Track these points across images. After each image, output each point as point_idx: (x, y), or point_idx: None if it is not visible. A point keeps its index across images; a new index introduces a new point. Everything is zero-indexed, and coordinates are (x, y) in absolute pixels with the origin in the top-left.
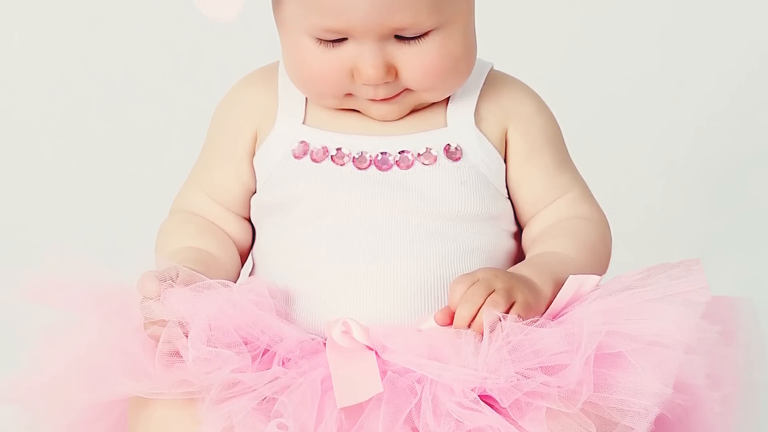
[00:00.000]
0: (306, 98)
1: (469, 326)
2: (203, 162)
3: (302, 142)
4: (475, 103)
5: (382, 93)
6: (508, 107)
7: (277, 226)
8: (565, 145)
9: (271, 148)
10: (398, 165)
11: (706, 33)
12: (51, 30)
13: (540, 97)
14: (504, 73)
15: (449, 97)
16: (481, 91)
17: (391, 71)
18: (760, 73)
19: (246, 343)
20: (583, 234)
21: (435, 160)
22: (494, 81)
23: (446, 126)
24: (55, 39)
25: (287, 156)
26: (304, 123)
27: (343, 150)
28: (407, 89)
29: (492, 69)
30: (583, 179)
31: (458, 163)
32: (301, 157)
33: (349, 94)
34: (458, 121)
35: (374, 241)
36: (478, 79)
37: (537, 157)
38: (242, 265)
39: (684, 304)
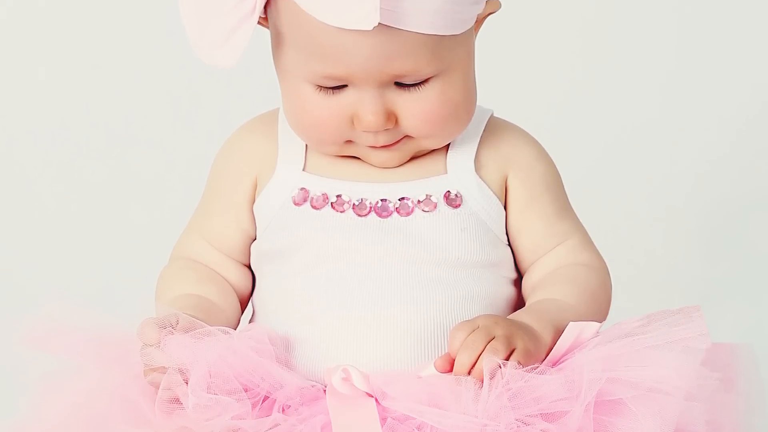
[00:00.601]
0: (306, 145)
1: (469, 373)
2: (203, 209)
3: (302, 188)
4: (475, 149)
5: (382, 140)
6: (508, 154)
7: (277, 272)
8: (564, 191)
9: (271, 195)
10: (398, 212)
11: (706, 79)
12: (51, 75)
13: (540, 144)
14: (504, 120)
15: (449, 143)
16: (481, 138)
17: (391, 118)
18: (760, 119)
19: (246, 390)
20: (583, 281)
21: (435, 207)
22: (494, 128)
23: (446, 173)
24: (55, 84)
25: (287, 203)
26: (304, 170)
27: (343, 197)
28: (407, 136)
29: (492, 116)
30: (582, 226)
31: (458, 210)
32: (301, 204)
33: (349, 141)
34: (458, 168)
35: (374, 288)
36: (478, 125)
37: (537, 204)
38: (242, 312)
39: (684, 350)
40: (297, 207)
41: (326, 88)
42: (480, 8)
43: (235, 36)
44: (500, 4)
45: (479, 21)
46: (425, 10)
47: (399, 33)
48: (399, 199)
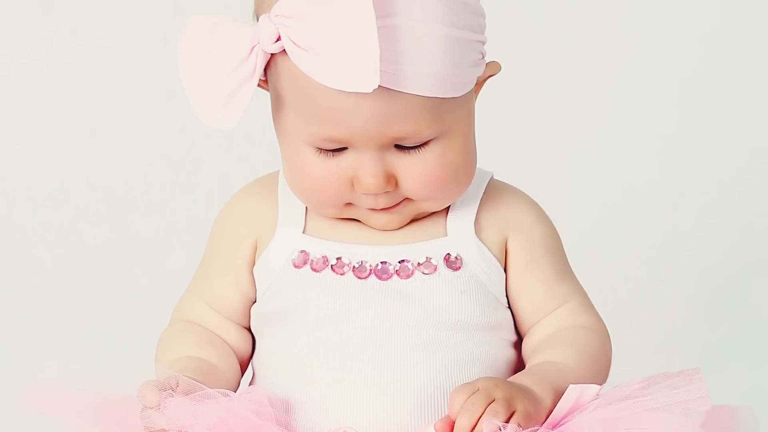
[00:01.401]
0: (306, 207)
1: None
2: (203, 271)
3: (302, 251)
4: (475, 212)
5: (382, 202)
6: (508, 216)
7: (276, 335)
8: (565, 254)
9: (271, 258)
10: (398, 274)
11: (706, 141)
12: (51, 138)
13: (539, 207)
14: (504, 183)
15: (449, 205)
16: (481, 201)
17: (391, 180)
18: (760, 181)
19: None
20: (583, 343)
21: (435, 270)
22: (494, 190)
23: (446, 235)
24: (55, 147)
25: (287, 265)
26: (304, 232)
27: (343, 259)
28: (407, 198)
29: (492, 178)
30: (582, 288)
31: (458, 272)
32: (301, 267)
33: (349, 204)
34: (458, 231)
35: (374, 351)
36: (478, 188)
37: (537, 267)
38: (242, 375)
39: (684, 413)
40: (297, 269)
41: (326, 150)
42: (480, 71)
43: (236, 99)
44: (500, 67)
45: (479, 83)
46: (425, 72)
47: (399, 96)
48: (399, 262)
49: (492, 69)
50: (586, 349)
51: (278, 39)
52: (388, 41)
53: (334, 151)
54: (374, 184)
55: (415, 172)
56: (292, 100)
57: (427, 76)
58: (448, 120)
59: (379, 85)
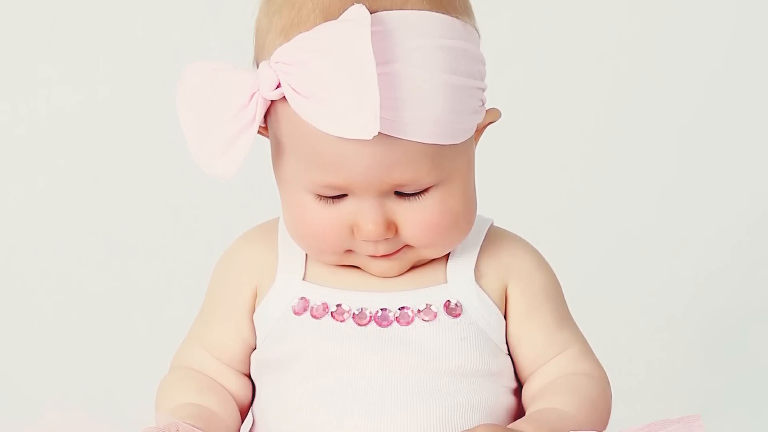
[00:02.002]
0: (306, 254)
1: None
2: (203, 318)
3: (302, 298)
4: (475, 259)
5: (382, 249)
6: (508, 263)
7: (276, 382)
8: (565, 301)
9: (271, 305)
10: (398, 321)
11: (705, 188)
12: (51, 185)
13: (540, 253)
14: (504, 229)
15: (449, 252)
16: (481, 247)
17: (391, 227)
18: (759, 228)
19: None
20: (583, 390)
21: (435, 317)
22: (494, 237)
23: (446, 282)
24: (54, 194)
25: (287, 312)
26: (304, 279)
27: (343, 306)
28: (407, 245)
29: (492, 225)
30: (582, 335)
31: (458, 319)
32: (301, 314)
33: (349, 251)
34: (458, 277)
35: (374, 397)
36: (478, 235)
37: (537, 314)
38: (242, 422)
39: None
40: (297, 316)
41: (326, 197)
42: (480, 118)
43: (235, 146)
44: (500, 114)
45: (479, 130)
46: (425, 119)
47: (399, 142)
48: (399, 309)
49: (492, 116)
50: (586, 395)
51: (278, 86)
52: (389, 88)
53: (334, 198)
54: (374, 231)
55: (415, 219)
56: (292, 147)
57: (428, 123)
58: (448, 167)
59: (379, 132)
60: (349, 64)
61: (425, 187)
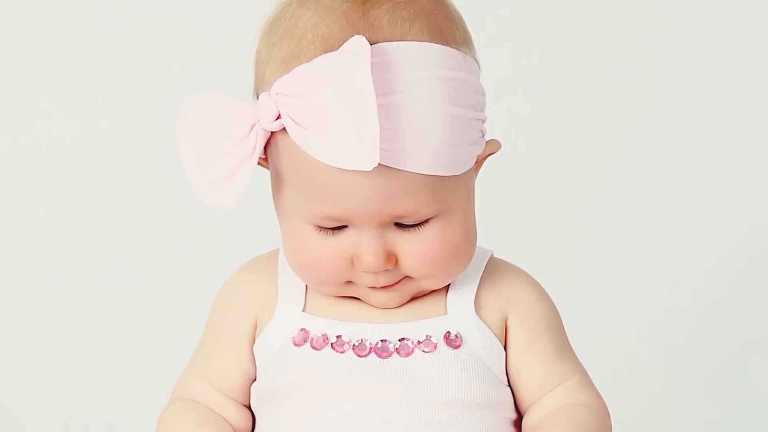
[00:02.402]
0: (306, 285)
1: None
2: (203, 350)
3: (302, 329)
4: (476, 290)
5: (382, 280)
6: (508, 295)
7: (276, 413)
8: (564, 331)
9: (271, 336)
10: (398, 352)
11: (705, 219)
12: (50, 217)
13: (539, 285)
14: (504, 261)
15: (449, 284)
16: (481, 278)
17: (391, 259)
18: (760, 258)
19: None
20: (583, 421)
21: (435, 348)
22: (494, 268)
23: (446, 313)
24: (54, 226)
25: (287, 343)
26: (304, 310)
27: (343, 337)
28: (407, 276)
29: (492, 256)
30: (582, 366)
31: (458, 350)
32: (301, 345)
33: (349, 282)
34: (458, 309)
35: (374, 429)
36: (478, 266)
37: (537, 345)
38: None
39: None
40: (297, 348)
41: (326, 228)
42: (480, 149)
43: (235, 177)
44: (500, 145)
45: (479, 161)
46: (425, 151)
47: (399, 174)
48: (399, 340)
49: (492, 147)
50: (586, 427)
51: (278, 117)
52: (388, 119)
53: (334, 229)
54: (374, 263)
55: (415, 251)
56: (292, 178)
57: (428, 154)
58: (448, 198)
59: (379, 164)
60: (349, 96)
61: (425, 218)
